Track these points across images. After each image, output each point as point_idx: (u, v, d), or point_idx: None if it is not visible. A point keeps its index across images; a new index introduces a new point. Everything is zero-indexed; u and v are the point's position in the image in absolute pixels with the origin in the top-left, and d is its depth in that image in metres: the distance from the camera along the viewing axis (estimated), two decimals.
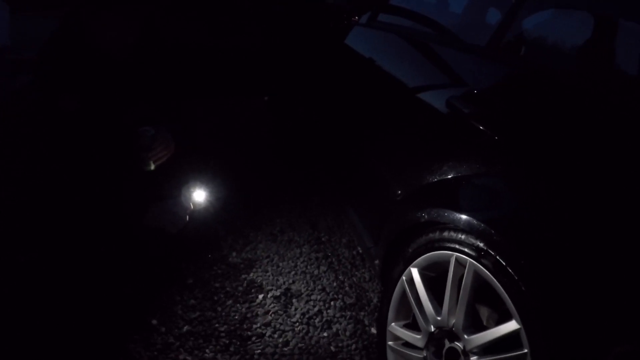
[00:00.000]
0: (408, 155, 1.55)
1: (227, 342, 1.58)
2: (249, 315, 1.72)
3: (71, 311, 1.48)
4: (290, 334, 1.68)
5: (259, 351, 1.57)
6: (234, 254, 2.00)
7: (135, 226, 1.38)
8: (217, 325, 1.64)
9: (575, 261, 1.05)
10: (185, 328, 1.60)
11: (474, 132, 1.35)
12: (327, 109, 2.26)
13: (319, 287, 1.92)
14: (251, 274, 1.92)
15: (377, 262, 1.70)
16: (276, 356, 1.57)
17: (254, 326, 1.67)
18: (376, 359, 1.57)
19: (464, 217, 1.24)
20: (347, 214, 2.01)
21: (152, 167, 1.53)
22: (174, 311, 1.65)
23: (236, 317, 1.69)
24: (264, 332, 1.66)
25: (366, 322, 1.79)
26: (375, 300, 1.90)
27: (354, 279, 2.01)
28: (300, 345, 1.64)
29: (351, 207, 1.93)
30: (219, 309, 1.72)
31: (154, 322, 1.58)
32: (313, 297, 1.87)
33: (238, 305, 1.75)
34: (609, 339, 0.95)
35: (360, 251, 2.17)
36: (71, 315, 1.47)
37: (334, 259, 2.10)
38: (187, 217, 1.48)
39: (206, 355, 1.52)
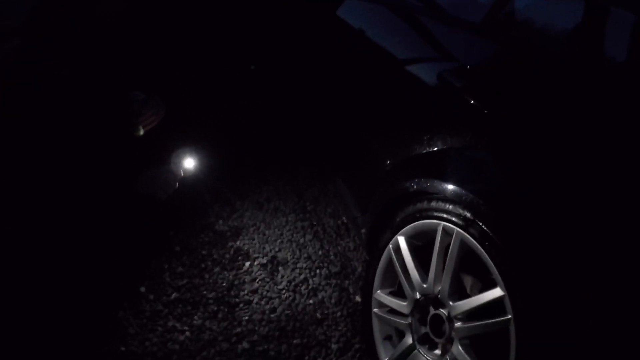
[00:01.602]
0: (398, 127, 1.55)
1: (215, 309, 1.60)
2: (236, 282, 1.73)
3: (60, 280, 1.46)
4: (277, 301, 1.71)
5: (247, 317, 1.60)
6: (221, 221, 2.00)
7: (125, 192, 1.35)
8: (205, 292, 1.65)
9: (558, 231, 1.09)
10: (174, 295, 1.61)
11: (465, 105, 1.36)
12: (317, 81, 2.23)
13: (305, 255, 1.94)
14: (238, 242, 1.92)
15: (363, 231, 1.72)
16: (264, 322, 1.60)
17: (242, 293, 1.69)
18: (361, 326, 1.62)
19: (452, 187, 1.27)
20: (334, 184, 2.02)
21: (142, 132, 1.50)
22: (162, 279, 1.65)
23: (224, 285, 1.70)
24: (251, 299, 1.68)
25: (351, 290, 1.83)
26: (359, 269, 1.94)
27: (339, 248, 2.04)
28: (286, 312, 1.67)
29: (339, 177, 1.94)
30: (207, 276, 1.73)
31: (143, 289, 1.59)
32: (299, 265, 1.89)
33: (225, 272, 1.76)
34: (589, 307, 1.00)
35: (345, 221, 2.19)
36: (60, 284, 1.46)
37: (319, 228, 2.12)
38: (177, 184, 1.47)
39: (195, 322, 1.53)
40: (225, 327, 1.53)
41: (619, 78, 1.32)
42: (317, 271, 1.88)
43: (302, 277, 1.84)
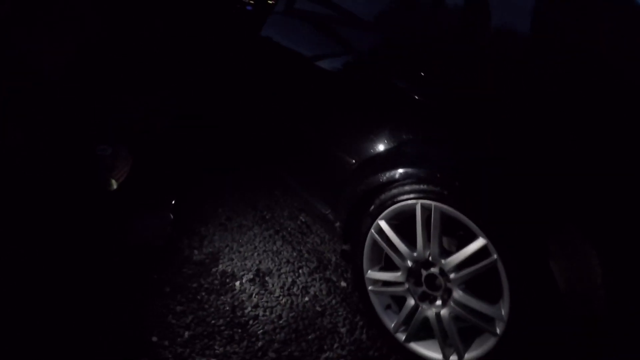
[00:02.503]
0: (358, 130, 1.74)
1: (230, 332, 1.66)
2: (235, 303, 1.80)
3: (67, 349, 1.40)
4: (278, 308, 1.82)
5: (261, 331, 1.69)
6: (196, 252, 2.02)
7: (119, 248, 1.34)
8: (213, 321, 1.70)
9: (509, 193, 1.40)
10: (187, 334, 1.62)
11: (413, 103, 1.61)
12: (251, 100, 2.31)
13: (283, 260, 2.07)
14: (220, 266, 1.97)
15: (337, 224, 1.91)
16: (277, 330, 1.71)
17: (246, 311, 1.77)
18: (363, 307, 1.80)
19: (423, 171, 1.52)
20: (292, 190, 2.16)
21: (115, 186, 1.47)
22: (167, 322, 1.65)
23: (227, 309, 1.76)
24: (256, 313, 1.77)
25: (334, 279, 2.02)
26: (333, 258, 2.13)
27: (309, 245, 2.20)
28: (291, 314, 1.80)
29: (298, 184, 2.08)
30: (206, 306, 1.76)
31: (155, 339, 1.58)
32: (282, 270, 2.02)
33: (222, 297, 1.82)
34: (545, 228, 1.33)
35: (304, 219, 2.36)
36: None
37: (284, 233, 2.25)
38: (170, 226, 1.48)
39: (217, 351, 1.59)
40: (247, 347, 1.62)
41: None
42: (300, 271, 2.03)
43: (290, 280, 1.97)
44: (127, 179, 1.50)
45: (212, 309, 1.75)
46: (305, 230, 2.29)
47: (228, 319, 1.72)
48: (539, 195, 1.38)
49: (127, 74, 2.00)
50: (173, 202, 1.58)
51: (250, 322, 1.73)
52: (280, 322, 1.76)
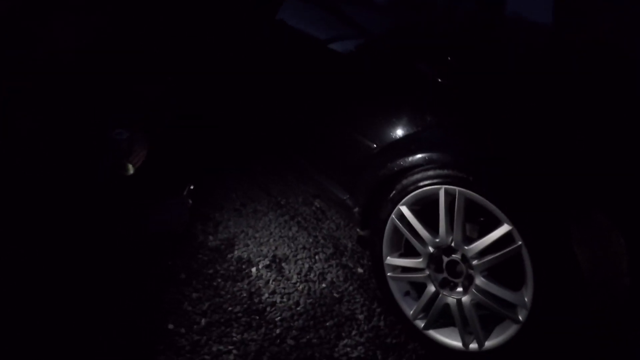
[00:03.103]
0: (379, 115, 1.69)
1: (248, 319, 1.65)
2: (252, 289, 1.79)
3: (88, 339, 1.40)
4: (296, 294, 1.80)
5: (279, 317, 1.68)
6: (211, 237, 2.00)
7: (139, 235, 1.32)
8: (230, 308, 1.68)
9: (537, 179, 1.35)
10: (203, 321, 1.61)
11: (436, 86, 1.55)
12: (266, 85, 2.26)
13: (300, 246, 2.05)
14: (235, 252, 1.96)
15: (356, 209, 1.88)
16: (295, 317, 1.70)
17: (263, 297, 1.76)
18: (381, 294, 1.77)
19: (449, 157, 1.47)
20: (307, 176, 2.13)
21: (132, 170, 1.45)
22: (183, 310, 1.64)
23: (243, 295, 1.75)
24: (273, 300, 1.76)
25: (351, 265, 1.99)
26: (349, 245, 2.10)
27: (324, 231, 2.17)
28: (309, 301, 1.78)
29: (315, 170, 2.04)
30: (223, 292, 1.75)
31: (171, 326, 1.57)
32: (299, 256, 1.99)
33: (238, 284, 1.80)
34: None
35: (319, 205, 2.33)
36: (89, 343, 1.40)
37: (300, 218, 2.22)
38: (189, 212, 1.46)
39: (235, 338, 1.57)
40: (264, 333, 1.60)
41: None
42: (316, 257, 2.01)
43: (306, 266, 1.94)
44: (144, 165, 1.47)
45: (229, 296, 1.74)
46: (321, 216, 2.26)
47: (245, 305, 1.71)
48: (564, 182, 1.34)
49: (132, 67, 1.96)
50: (192, 187, 1.55)
51: (268, 308, 1.72)
52: (298, 308, 1.74)
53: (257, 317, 1.67)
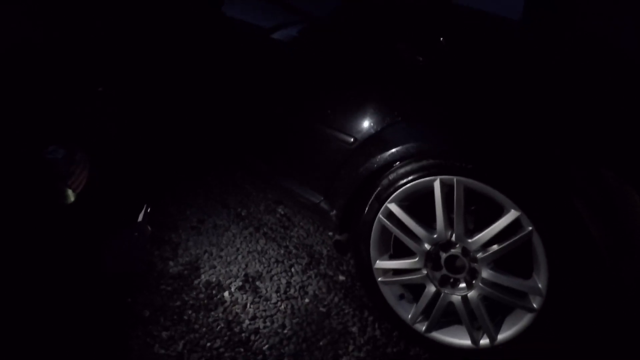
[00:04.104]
0: (356, 105, 1.52)
1: (232, 354, 1.42)
2: (230, 318, 1.55)
3: None
4: (279, 315, 1.60)
5: (267, 346, 1.47)
6: (171, 263, 1.73)
7: (95, 279, 1.04)
8: (209, 344, 1.44)
9: (540, 157, 1.28)
10: None
11: (427, 71, 1.44)
12: (213, 86, 2.01)
13: (272, 260, 1.84)
14: (202, 276, 1.70)
15: (333, 213, 1.72)
16: (284, 341, 1.49)
17: (244, 325, 1.53)
18: (370, 301, 1.63)
19: (443, 145, 1.36)
20: (266, 182, 1.93)
21: (73, 197, 1.15)
22: (155, 353, 1.37)
23: (221, 326, 1.51)
24: (256, 326, 1.54)
25: (331, 273, 1.82)
26: (324, 251, 1.93)
27: (294, 240, 1.98)
28: (295, 321, 1.58)
29: (279, 174, 1.84)
30: (197, 326, 1.50)
31: None
32: (273, 272, 1.78)
33: (212, 313, 1.56)
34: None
35: (283, 212, 2.13)
36: None
37: (265, 229, 2.01)
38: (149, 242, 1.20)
39: None
40: None
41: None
42: (292, 270, 1.81)
43: (284, 282, 1.74)
44: (86, 189, 1.18)
45: (204, 329, 1.50)
46: (287, 224, 2.07)
47: (225, 338, 1.48)
48: (567, 150, 1.25)
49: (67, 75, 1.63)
50: (148, 209, 1.29)
51: (252, 337, 1.50)
52: (285, 331, 1.54)
53: (242, 350, 1.44)
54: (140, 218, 1.24)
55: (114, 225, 1.17)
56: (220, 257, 1.81)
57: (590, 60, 1.42)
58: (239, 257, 1.83)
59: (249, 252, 1.86)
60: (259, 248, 1.90)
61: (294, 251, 1.91)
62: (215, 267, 1.76)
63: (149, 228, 1.25)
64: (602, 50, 1.44)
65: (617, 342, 1.34)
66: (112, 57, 1.77)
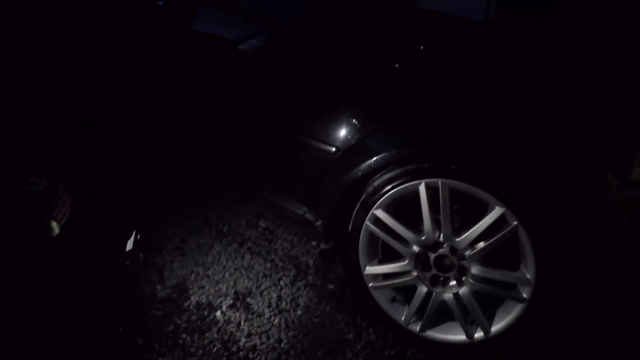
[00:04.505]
0: (337, 115, 1.53)
1: None
2: (225, 337, 1.52)
3: None
4: (274, 330, 1.58)
5: None
6: (158, 287, 1.67)
7: (91, 310, 1.00)
8: None
9: (518, 153, 1.33)
10: None
11: (408, 77, 1.47)
12: (184, 101, 1.97)
13: (260, 275, 1.82)
14: (192, 298, 1.66)
15: (319, 223, 1.72)
16: (283, 356, 1.48)
17: (240, 344, 1.51)
18: (363, 307, 1.64)
19: (426, 149, 1.39)
20: (247, 195, 1.91)
21: (58, 229, 1.09)
22: None
23: (218, 347, 1.48)
24: (253, 343, 1.52)
25: (319, 283, 1.83)
26: (311, 262, 1.93)
27: (280, 253, 1.97)
28: (290, 334, 1.57)
29: (261, 188, 1.82)
30: (193, 349, 1.46)
31: None
32: (262, 287, 1.77)
33: (207, 334, 1.52)
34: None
35: (265, 225, 2.11)
36: None
37: (249, 244, 1.99)
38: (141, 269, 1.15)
39: None
40: None
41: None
42: (281, 283, 1.80)
43: (274, 296, 1.73)
44: (71, 220, 1.13)
45: (201, 351, 1.46)
46: (270, 237, 2.06)
47: (224, 358, 1.45)
48: (542, 143, 1.31)
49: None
50: (138, 236, 1.25)
51: (250, 355, 1.48)
52: (282, 345, 1.53)
53: None
54: (130, 246, 1.20)
55: (102, 254, 1.12)
56: (208, 276, 1.78)
57: (561, 56, 1.50)
58: (227, 274, 1.81)
59: (235, 269, 1.84)
60: (245, 264, 1.88)
61: (280, 264, 1.91)
62: (203, 287, 1.73)
63: (141, 255, 1.21)
64: (572, 46, 1.53)
65: (603, 322, 1.42)
66: (79, 75, 1.71)
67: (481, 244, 1.40)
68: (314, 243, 2.04)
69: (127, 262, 1.17)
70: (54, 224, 1.14)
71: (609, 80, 1.41)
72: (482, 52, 1.46)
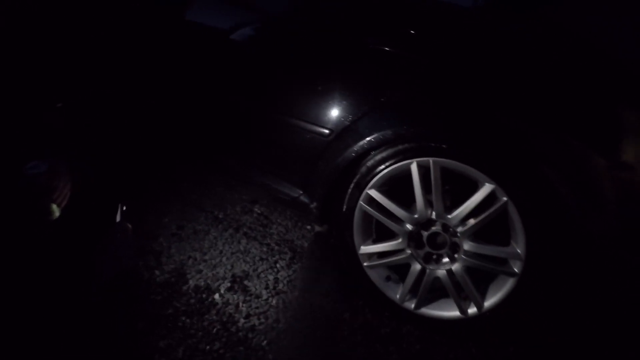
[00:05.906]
0: (330, 97, 1.55)
1: (233, 354, 1.42)
2: (224, 319, 1.55)
3: None
4: (272, 311, 1.61)
5: (265, 341, 1.48)
6: (157, 272, 1.70)
7: (98, 287, 1.02)
8: (208, 347, 1.43)
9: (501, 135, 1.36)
10: None
11: (399, 60, 1.48)
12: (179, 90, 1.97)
13: (256, 258, 1.85)
14: (190, 282, 1.68)
15: (313, 205, 1.74)
16: (281, 335, 1.51)
17: (239, 324, 1.53)
18: (358, 286, 1.66)
19: (417, 128, 1.41)
20: (240, 182, 1.92)
21: (58, 212, 1.11)
22: None
23: (217, 327, 1.51)
24: (251, 324, 1.54)
25: (316, 265, 1.85)
26: (306, 244, 1.96)
27: (275, 237, 1.99)
28: (288, 314, 1.60)
29: (256, 172, 1.84)
30: (193, 331, 1.48)
31: None
32: (259, 270, 1.79)
33: (206, 316, 1.55)
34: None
35: (260, 211, 2.14)
36: None
37: (245, 229, 2.01)
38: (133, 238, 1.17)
39: None
40: None
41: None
42: (277, 265, 1.83)
43: (271, 278, 1.76)
44: (70, 202, 1.14)
45: (201, 333, 1.49)
46: (265, 222, 2.08)
47: (224, 339, 1.48)
48: (531, 119, 1.32)
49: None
50: (124, 207, 1.26)
51: (249, 335, 1.51)
52: (281, 325, 1.56)
53: (242, 348, 1.45)
54: (118, 218, 1.22)
55: (97, 230, 1.14)
56: (205, 261, 1.81)
57: (548, 39, 1.52)
58: (224, 259, 1.83)
59: (232, 253, 1.87)
60: (241, 248, 1.90)
61: (276, 248, 1.93)
62: (201, 271, 1.75)
63: (129, 225, 1.23)
64: (560, 29, 1.55)
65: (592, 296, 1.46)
66: (71, 67, 1.70)
67: (472, 221, 1.44)
68: (309, 227, 2.07)
69: (118, 234, 1.18)
70: (54, 207, 1.15)
71: (597, 61, 1.43)
72: (472, 34, 1.48)
